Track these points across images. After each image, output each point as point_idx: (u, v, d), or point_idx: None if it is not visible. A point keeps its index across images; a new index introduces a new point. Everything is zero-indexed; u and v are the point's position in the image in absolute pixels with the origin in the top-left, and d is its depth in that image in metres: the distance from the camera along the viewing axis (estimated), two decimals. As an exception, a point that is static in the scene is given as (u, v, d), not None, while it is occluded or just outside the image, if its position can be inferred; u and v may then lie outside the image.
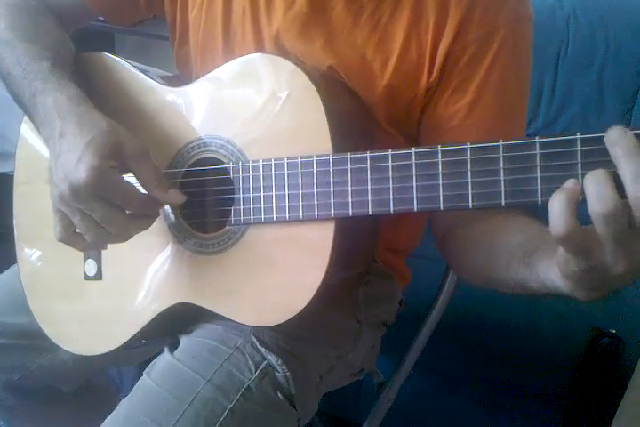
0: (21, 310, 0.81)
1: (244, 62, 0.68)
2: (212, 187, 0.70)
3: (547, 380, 1.18)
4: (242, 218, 0.66)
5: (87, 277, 0.77)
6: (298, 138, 0.64)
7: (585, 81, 1.50)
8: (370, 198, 0.59)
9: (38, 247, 0.82)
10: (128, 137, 0.64)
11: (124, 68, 0.77)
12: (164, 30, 0.87)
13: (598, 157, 0.47)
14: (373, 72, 0.70)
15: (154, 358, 0.73)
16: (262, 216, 0.65)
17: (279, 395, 0.68)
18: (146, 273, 0.73)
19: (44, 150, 0.81)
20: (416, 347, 0.98)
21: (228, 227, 0.68)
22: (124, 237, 0.65)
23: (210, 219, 0.71)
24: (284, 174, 0.63)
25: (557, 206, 0.44)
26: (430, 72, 0.69)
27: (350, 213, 0.60)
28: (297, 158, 0.62)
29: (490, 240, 0.63)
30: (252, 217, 0.65)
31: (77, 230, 0.65)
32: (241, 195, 0.66)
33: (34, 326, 0.80)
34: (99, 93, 0.72)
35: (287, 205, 0.63)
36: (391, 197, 0.58)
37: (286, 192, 0.63)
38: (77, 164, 0.61)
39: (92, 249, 0.71)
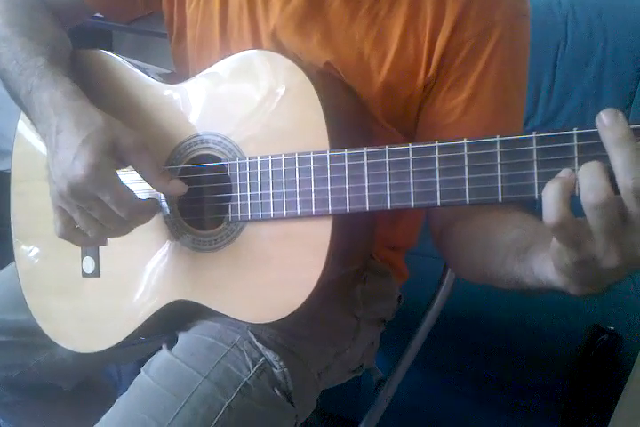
0: (20, 308, 0.81)
1: (241, 59, 0.68)
2: (210, 183, 0.70)
3: (545, 376, 1.18)
4: (239, 215, 0.66)
5: (85, 275, 0.77)
6: (295, 134, 0.64)
7: (583, 78, 1.49)
8: (367, 194, 0.59)
9: (36, 245, 0.82)
10: (125, 131, 0.64)
11: (121, 65, 0.77)
12: (161, 28, 0.87)
13: (595, 152, 0.47)
14: (371, 68, 0.70)
15: (152, 355, 0.73)
16: (260, 213, 0.65)
17: (277, 391, 0.68)
18: (143, 270, 0.73)
19: (40, 147, 0.81)
20: (415, 344, 0.98)
21: (225, 224, 0.68)
22: (123, 232, 0.65)
23: (207, 216, 0.71)
24: (281, 171, 0.63)
25: (551, 195, 0.44)
26: (428, 68, 0.69)
27: (348, 210, 0.60)
28: (294, 155, 0.62)
29: (486, 236, 0.63)
30: (249, 214, 0.65)
31: (77, 226, 0.65)
32: (238, 191, 0.66)
33: (32, 324, 0.80)
34: (96, 90, 0.72)
35: (284, 201, 0.63)
36: (388, 193, 0.58)
37: (284, 189, 0.63)
38: (74, 161, 0.61)
39: (93, 245, 0.71)
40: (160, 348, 0.73)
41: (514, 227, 0.61)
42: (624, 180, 0.42)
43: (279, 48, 0.72)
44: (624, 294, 1.17)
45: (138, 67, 0.77)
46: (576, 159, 0.48)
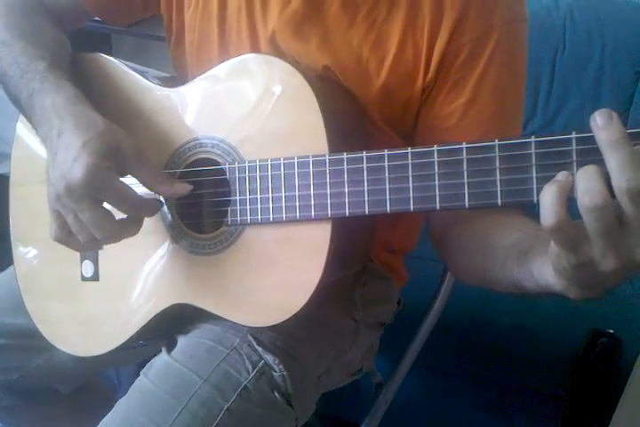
0: (19, 311, 0.81)
1: (240, 62, 0.68)
2: (209, 187, 0.70)
3: (545, 380, 1.18)
4: (239, 218, 0.66)
5: (84, 279, 0.77)
6: (294, 138, 0.64)
7: (582, 81, 1.50)
8: (366, 198, 0.59)
9: (35, 248, 0.82)
10: (125, 138, 0.65)
11: (120, 68, 0.77)
12: (161, 31, 0.87)
13: (594, 156, 0.47)
14: (369, 72, 0.70)
15: (151, 358, 0.73)
16: (259, 217, 0.65)
17: (276, 395, 0.68)
18: (143, 274, 0.73)
19: (39, 151, 0.81)
20: (414, 347, 0.98)
21: (224, 227, 0.68)
22: (110, 241, 0.65)
23: (207, 219, 0.71)
24: (280, 175, 0.63)
25: (548, 198, 0.45)
26: (426, 72, 0.69)
27: (347, 214, 0.60)
28: (293, 159, 0.62)
29: (485, 240, 0.63)
30: (248, 217, 0.66)
31: (72, 230, 0.65)
32: (237, 195, 0.66)
33: (31, 327, 0.80)
34: (94, 94, 0.72)
35: (284, 205, 0.63)
36: (387, 197, 0.58)
37: (283, 193, 0.63)
38: (73, 163, 0.61)
39: (88, 249, 0.71)
40: (159, 351, 0.73)
41: (513, 230, 0.61)
42: (618, 182, 0.42)
43: (277, 52, 0.72)
44: (623, 298, 1.17)
45: (137, 70, 0.77)
46: (575, 163, 0.48)
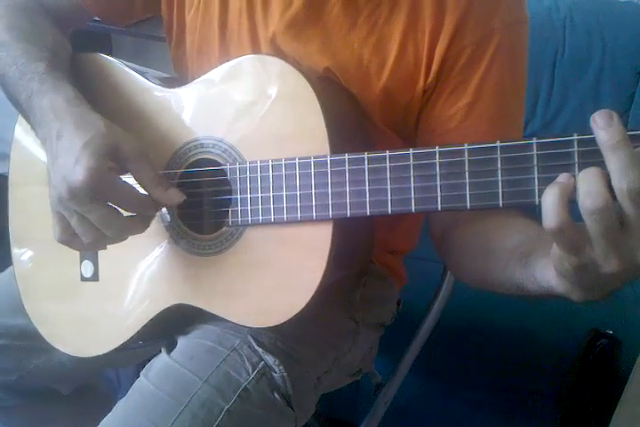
0: (19, 312, 0.81)
1: (241, 63, 0.68)
2: (210, 188, 0.70)
3: (544, 381, 1.19)
4: (240, 219, 0.66)
5: (83, 279, 0.77)
6: (295, 139, 0.64)
7: (582, 83, 1.50)
8: (368, 199, 0.59)
9: (34, 249, 0.82)
10: (125, 138, 0.64)
11: (120, 69, 0.77)
12: (161, 31, 0.87)
13: (595, 158, 0.47)
14: (370, 74, 0.70)
15: (151, 359, 0.73)
16: (260, 217, 0.65)
17: (276, 396, 0.68)
18: (143, 274, 0.73)
19: (38, 152, 0.81)
20: (414, 348, 0.98)
21: (225, 228, 0.68)
22: (119, 239, 0.65)
23: (207, 220, 0.71)
24: (281, 175, 0.63)
25: (550, 200, 0.45)
26: (427, 75, 0.69)
27: (348, 214, 0.60)
28: (295, 159, 0.62)
29: (487, 241, 0.63)
30: (249, 218, 0.65)
31: (76, 231, 0.65)
32: (238, 196, 0.66)
33: (30, 327, 0.80)
34: (94, 95, 0.72)
35: (285, 206, 0.63)
36: (389, 197, 0.58)
37: (284, 193, 0.63)
38: (74, 165, 0.61)
39: (91, 250, 0.71)
40: (159, 352, 0.73)
41: (515, 232, 0.61)
42: (619, 183, 0.42)
43: (278, 53, 0.72)
44: (623, 299, 1.17)
45: (137, 71, 0.77)
46: (576, 165, 0.48)
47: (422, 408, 1.32)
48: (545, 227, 0.45)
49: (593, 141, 0.46)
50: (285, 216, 0.63)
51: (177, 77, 0.85)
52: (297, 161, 0.62)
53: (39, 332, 0.79)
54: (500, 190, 0.52)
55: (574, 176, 0.46)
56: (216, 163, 0.68)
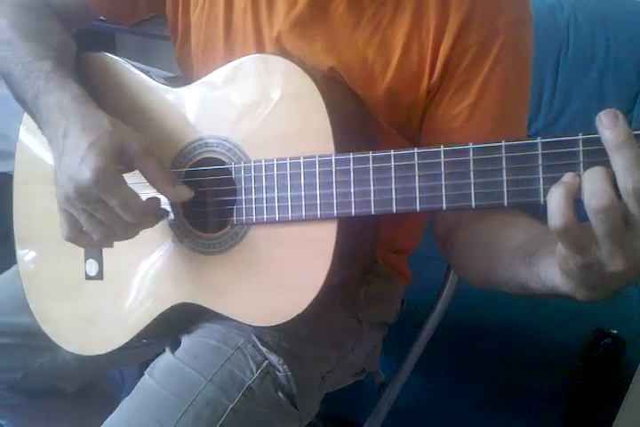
0: (23, 310, 0.81)
1: (246, 63, 0.68)
2: (215, 187, 0.70)
3: (548, 380, 1.18)
4: (244, 218, 0.66)
5: (88, 277, 0.77)
6: (300, 138, 0.64)
7: (585, 82, 1.50)
8: (372, 198, 0.59)
9: (39, 248, 0.82)
10: (131, 136, 0.65)
11: (125, 68, 0.77)
12: (165, 30, 0.87)
13: (600, 157, 0.47)
14: (374, 74, 0.70)
15: (155, 358, 0.73)
16: (265, 216, 0.65)
17: (280, 395, 0.68)
18: (148, 273, 0.73)
19: (43, 151, 0.81)
20: (417, 347, 0.98)
21: (230, 227, 0.68)
22: (129, 235, 0.65)
23: (212, 219, 0.71)
24: (286, 174, 0.63)
25: (555, 200, 0.45)
26: (431, 74, 0.69)
27: (353, 213, 0.60)
28: (299, 158, 0.63)
29: (490, 240, 0.63)
30: (254, 217, 0.66)
31: (84, 229, 0.66)
32: (243, 195, 0.66)
33: (35, 326, 0.80)
34: (99, 94, 0.72)
35: (290, 204, 0.63)
36: (394, 197, 0.58)
37: (289, 192, 0.63)
38: (81, 164, 0.61)
39: (99, 247, 0.71)
40: (163, 351, 0.73)
41: (519, 231, 0.61)
42: (625, 182, 0.43)
43: (283, 53, 0.72)
44: (627, 298, 1.17)
45: (141, 70, 0.77)
46: (581, 164, 0.48)
47: (426, 408, 1.32)
48: (550, 226, 0.45)
49: (598, 141, 0.46)
50: (290, 215, 0.63)
51: (181, 77, 0.85)
52: (302, 160, 0.62)
53: (43, 330, 0.79)
54: (505, 190, 0.52)
55: (579, 175, 0.46)
56: (220, 162, 0.69)
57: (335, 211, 0.61)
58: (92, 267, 0.76)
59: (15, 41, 0.74)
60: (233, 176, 0.67)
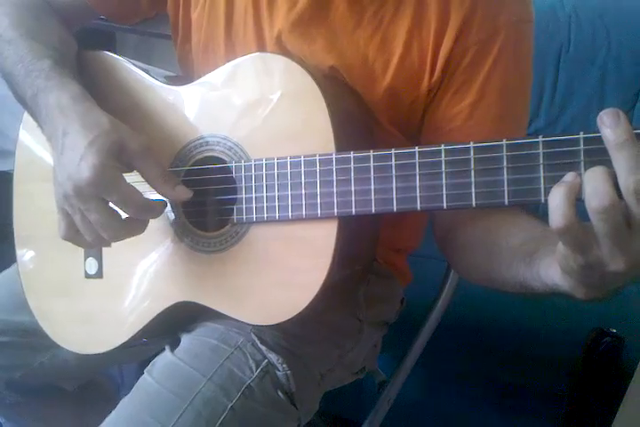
0: (23, 309, 0.81)
1: (247, 61, 0.68)
2: (215, 186, 0.70)
3: (548, 379, 1.18)
4: (244, 217, 0.66)
5: (88, 276, 0.77)
6: (301, 137, 0.64)
7: (586, 81, 1.49)
8: (373, 197, 0.59)
9: (38, 246, 0.82)
10: (131, 135, 0.64)
11: (125, 66, 0.77)
12: (166, 29, 0.87)
13: (601, 156, 0.47)
14: (375, 73, 0.70)
15: (155, 356, 0.73)
16: (265, 215, 0.65)
17: (280, 394, 0.68)
18: (147, 272, 0.73)
19: (43, 150, 0.81)
20: (417, 346, 0.98)
21: (230, 226, 0.68)
22: (116, 240, 0.65)
23: (212, 217, 0.71)
24: (287, 173, 0.63)
25: (557, 200, 0.45)
26: (432, 74, 0.69)
27: (353, 212, 0.60)
28: (300, 157, 0.62)
29: (490, 239, 0.63)
30: (254, 216, 0.65)
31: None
32: (243, 194, 0.66)
33: (35, 325, 0.80)
34: (100, 92, 0.72)
35: (290, 203, 0.63)
36: (394, 195, 0.58)
37: (289, 191, 0.63)
38: (80, 163, 0.61)
39: (96, 247, 0.71)
40: (163, 349, 0.73)
41: (519, 230, 0.61)
42: (626, 182, 0.42)
43: (284, 51, 0.72)
44: (626, 297, 1.17)
45: (141, 68, 0.77)
46: (582, 163, 0.48)
47: (425, 406, 1.32)
48: (552, 226, 0.45)
49: (599, 139, 0.46)
50: (290, 214, 0.63)
51: (182, 76, 0.85)
52: (302, 159, 0.62)
53: (42, 329, 0.79)
54: (506, 189, 0.52)
55: (580, 175, 0.46)
56: (221, 160, 0.68)
57: (335, 210, 0.61)
58: (91, 265, 0.76)
59: (16, 40, 0.74)
60: (233, 175, 0.67)
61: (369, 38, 0.70)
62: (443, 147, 0.55)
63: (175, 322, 0.74)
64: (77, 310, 0.78)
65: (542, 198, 0.50)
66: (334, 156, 0.61)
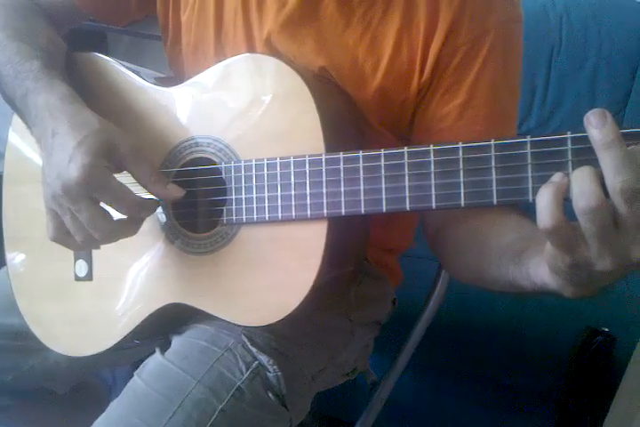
0: (12, 311, 0.81)
1: (237, 63, 0.68)
2: (205, 187, 0.70)
3: (540, 378, 1.19)
4: (234, 218, 0.66)
5: (77, 278, 0.76)
6: (290, 137, 0.64)
7: (578, 80, 1.50)
8: (362, 198, 0.59)
9: (28, 248, 0.82)
10: (120, 136, 0.64)
11: (115, 68, 0.77)
12: (157, 30, 0.86)
13: (589, 156, 0.47)
14: (365, 73, 0.70)
15: (146, 358, 0.73)
16: (255, 216, 0.65)
17: (270, 395, 0.68)
18: (137, 274, 0.73)
19: (32, 151, 0.81)
20: (409, 346, 0.98)
21: (220, 227, 0.68)
22: (108, 241, 0.65)
23: (202, 219, 0.71)
24: (276, 174, 0.63)
25: (544, 200, 0.45)
26: (421, 74, 0.69)
27: (343, 213, 0.60)
28: (289, 158, 0.62)
29: (480, 239, 0.63)
30: (244, 217, 0.65)
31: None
32: (233, 195, 0.66)
33: (25, 327, 0.80)
34: (90, 94, 0.72)
35: (280, 204, 0.63)
36: (384, 196, 0.58)
37: (279, 192, 0.63)
38: (69, 163, 0.61)
39: (85, 249, 0.71)
40: (153, 352, 0.73)
41: (509, 230, 0.61)
42: (613, 183, 0.43)
43: (273, 53, 0.71)
44: (618, 296, 1.17)
45: (132, 70, 0.77)
46: (570, 163, 0.49)
47: (418, 406, 1.32)
48: (540, 227, 0.45)
49: (586, 139, 0.47)
50: (280, 215, 0.63)
51: (172, 77, 0.85)
52: (292, 160, 0.62)
53: (33, 332, 0.79)
54: (495, 189, 0.52)
55: (568, 175, 0.46)
56: (211, 162, 0.68)
57: (325, 210, 0.61)
58: (81, 268, 0.76)
59: (3, 41, 0.74)
60: (223, 176, 0.67)
61: (358, 39, 0.70)
62: (432, 147, 0.55)
63: (165, 324, 0.74)
64: (67, 313, 0.77)
65: (530, 198, 0.50)
66: (324, 156, 0.61)
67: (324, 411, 1.27)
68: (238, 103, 0.67)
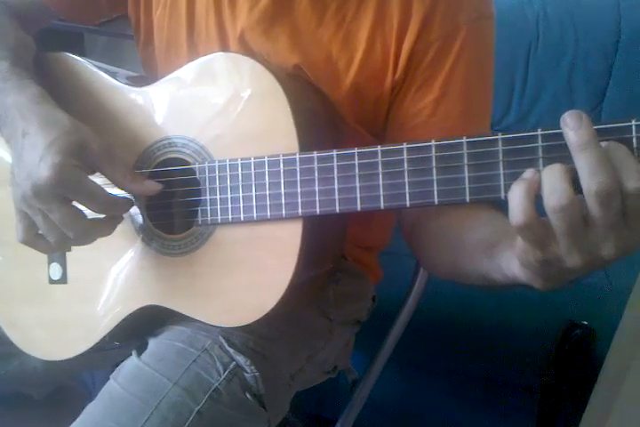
0: (-13, 316, 0.80)
1: (209, 61, 0.67)
2: (179, 187, 0.69)
3: (521, 372, 1.20)
4: (209, 218, 0.66)
5: (52, 281, 0.75)
6: (264, 137, 0.63)
7: (555, 77, 1.52)
8: (337, 197, 0.59)
9: (1, 252, 0.81)
10: (92, 136, 0.63)
11: (87, 68, 0.76)
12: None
13: (559, 153, 0.47)
14: (339, 70, 0.70)
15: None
16: (230, 216, 0.64)
17: (248, 396, 0.68)
18: (112, 276, 0.72)
19: (3, 153, 0.79)
20: (389, 343, 0.98)
21: (195, 227, 0.67)
22: (84, 241, 0.64)
23: (177, 220, 0.70)
24: (250, 174, 0.63)
25: (517, 196, 0.45)
26: (395, 70, 0.69)
27: (318, 212, 0.60)
28: (264, 158, 0.62)
29: (454, 233, 0.64)
30: (219, 217, 0.65)
31: (40, 232, 0.64)
32: (208, 195, 0.66)
33: (2, 332, 0.78)
34: (62, 94, 0.71)
35: (254, 204, 0.63)
36: (358, 195, 0.58)
37: (253, 192, 0.63)
38: (40, 162, 0.60)
39: (56, 251, 0.70)
40: (130, 354, 0.72)
41: (482, 224, 0.61)
42: (588, 184, 0.43)
43: (247, 51, 0.71)
44: (598, 289, 1.19)
45: (105, 70, 0.76)
46: (541, 160, 0.49)
47: (400, 402, 1.33)
48: (512, 223, 0.45)
49: (556, 136, 0.47)
50: (255, 215, 0.63)
51: (146, 76, 0.84)
52: (266, 159, 0.62)
53: (8, 336, 0.78)
54: (467, 186, 0.53)
55: (540, 171, 0.47)
56: (185, 162, 0.68)
57: (300, 210, 0.60)
58: (55, 271, 0.75)
59: None
60: (197, 176, 0.66)
61: (332, 35, 0.70)
62: (405, 145, 0.55)
63: (142, 326, 0.73)
64: (43, 317, 0.76)
65: (502, 195, 0.51)
66: (298, 156, 0.61)
67: (309, 409, 1.27)
68: (212, 103, 0.66)
